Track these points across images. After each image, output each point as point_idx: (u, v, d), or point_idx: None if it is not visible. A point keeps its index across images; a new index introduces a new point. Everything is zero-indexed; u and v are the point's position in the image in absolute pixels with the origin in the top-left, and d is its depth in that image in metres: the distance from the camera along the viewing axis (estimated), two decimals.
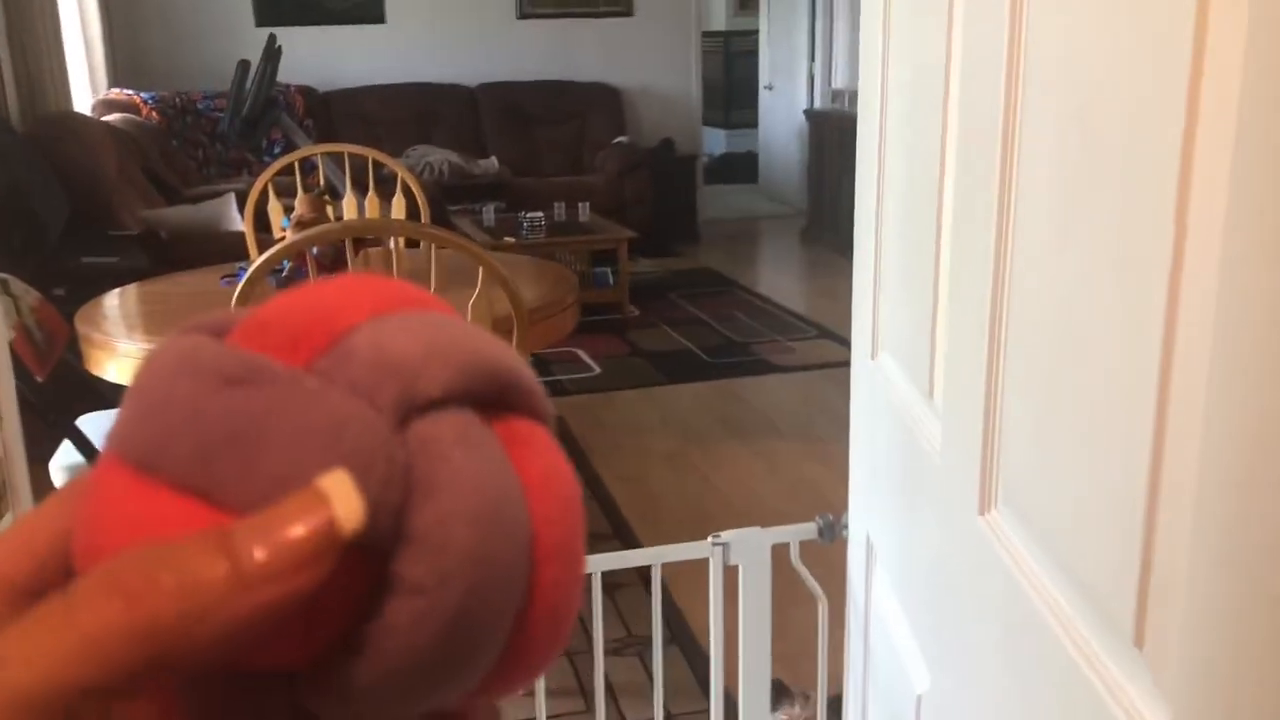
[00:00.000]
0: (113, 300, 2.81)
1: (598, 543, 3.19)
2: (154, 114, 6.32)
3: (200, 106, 6.56)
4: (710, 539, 1.39)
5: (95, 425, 2.81)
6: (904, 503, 1.02)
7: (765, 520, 3.53)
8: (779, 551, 1.46)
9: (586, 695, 2.44)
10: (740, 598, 1.45)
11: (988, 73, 0.70)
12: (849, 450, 1.38)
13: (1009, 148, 0.68)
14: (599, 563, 1.38)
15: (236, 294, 2.11)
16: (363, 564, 0.24)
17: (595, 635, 1.39)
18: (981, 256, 0.73)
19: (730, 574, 1.42)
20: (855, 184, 1.18)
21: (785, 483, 3.63)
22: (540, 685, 1.37)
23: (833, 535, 1.39)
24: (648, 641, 2.66)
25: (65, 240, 4.02)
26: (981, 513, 0.75)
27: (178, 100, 6.50)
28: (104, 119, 5.60)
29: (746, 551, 1.40)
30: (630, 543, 3.20)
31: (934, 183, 0.86)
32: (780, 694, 1.94)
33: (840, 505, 3.71)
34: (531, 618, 0.26)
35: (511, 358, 0.27)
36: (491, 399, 0.26)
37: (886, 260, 1.08)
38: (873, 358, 1.14)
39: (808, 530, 1.42)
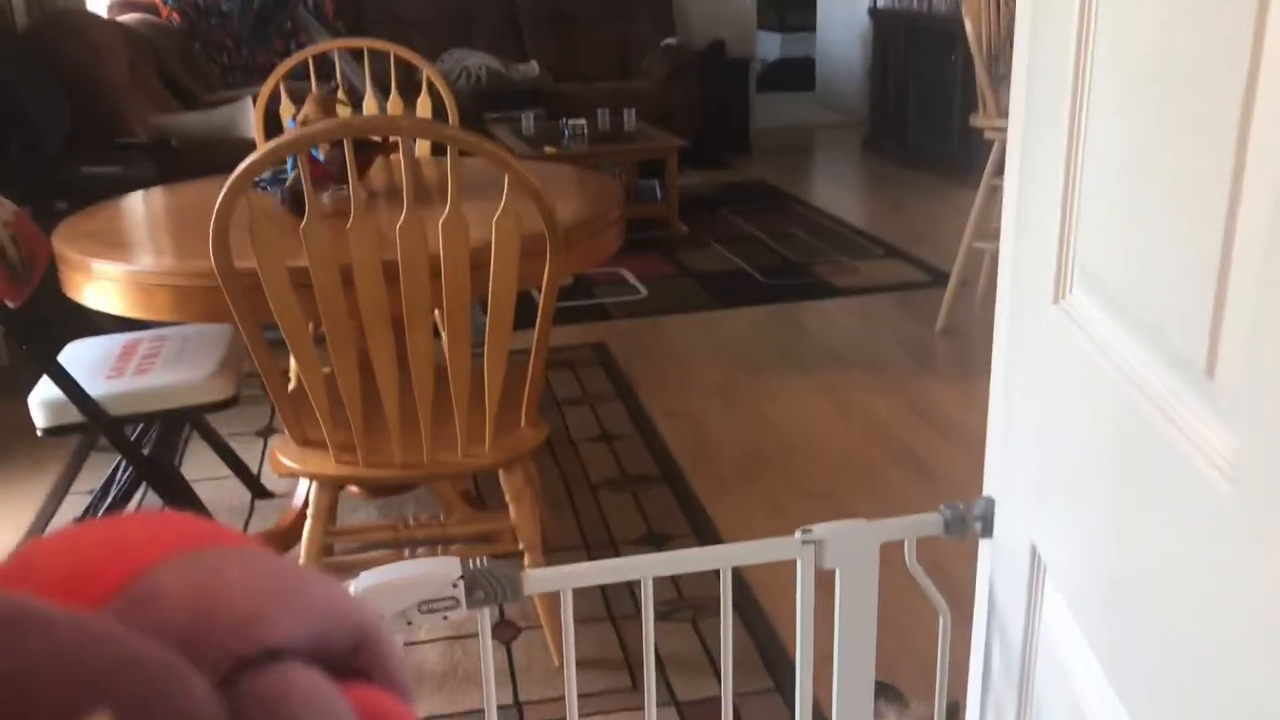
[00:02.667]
0: (98, 214, 2.48)
1: (645, 487, 2.86)
2: (174, 15, 5.95)
3: (224, 8, 6.17)
4: (799, 534, 1.04)
5: (80, 354, 2.51)
6: (1116, 517, 0.67)
7: (828, 464, 3.22)
8: (886, 550, 1.11)
9: (632, 668, 2.14)
10: (837, 609, 1.11)
11: None
12: (987, 423, 1.02)
13: None
14: (652, 566, 1.04)
15: (219, 203, 1.77)
16: None
17: (647, 640, 1.05)
18: None
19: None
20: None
21: (852, 421, 3.27)
22: (571, 655, 1.06)
23: (964, 531, 1.04)
24: (701, 605, 2.35)
25: (67, 149, 3.70)
26: None
27: (200, 1, 6.12)
28: (118, 19, 5.24)
29: (847, 551, 1.06)
30: (678, 485, 2.88)
31: (1233, 66, 0.49)
32: (880, 694, 1.62)
33: (923, 449, 3.28)
34: None
35: (366, 612, 0.25)
36: (341, 657, 0.24)
37: (1095, 174, 0.71)
38: (1057, 300, 0.77)
39: (929, 524, 1.07)
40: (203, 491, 2.89)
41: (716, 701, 2.04)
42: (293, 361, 2.59)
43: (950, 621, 1.15)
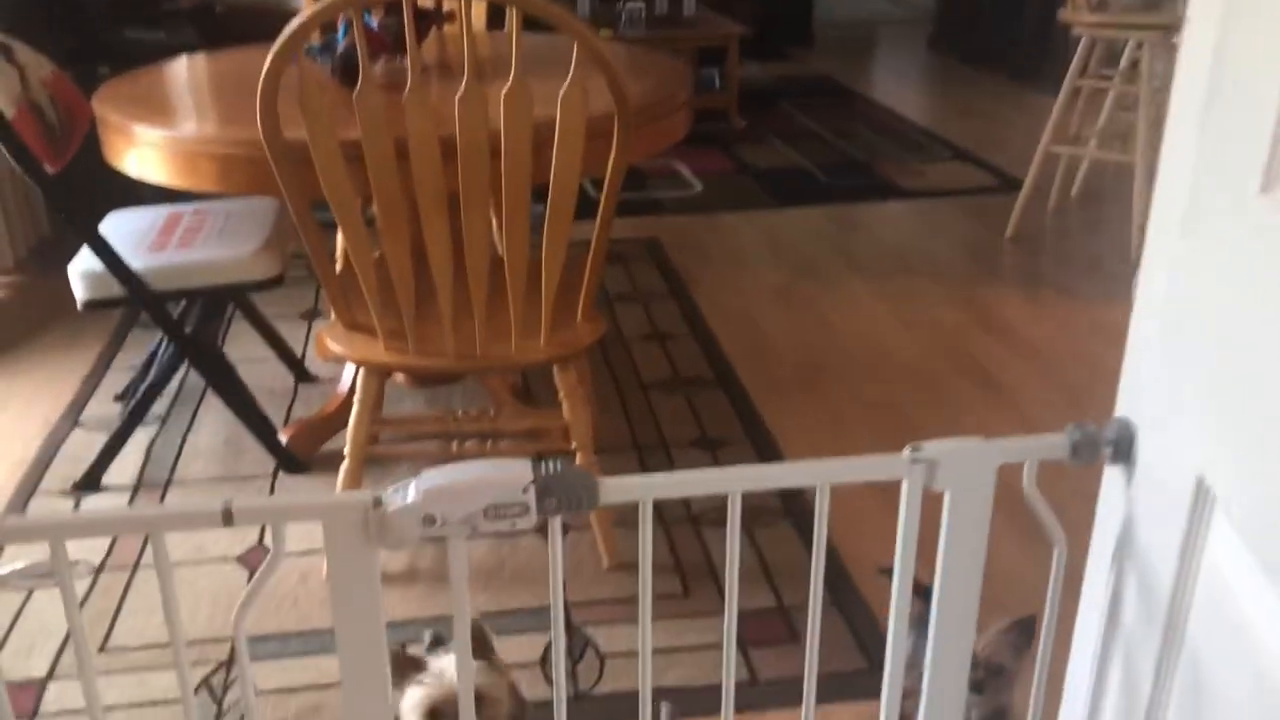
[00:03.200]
0: (141, 78, 2.36)
1: (699, 390, 2.76)
2: None
3: None
4: (908, 451, 0.93)
5: (122, 225, 2.42)
6: None
7: (890, 375, 3.08)
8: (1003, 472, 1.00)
9: (685, 575, 2.06)
10: (943, 538, 1.00)
11: None
12: (1129, 327, 0.90)
13: None
14: (737, 480, 0.94)
15: (267, 67, 1.64)
16: None
17: (731, 563, 0.95)
18: None
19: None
20: None
21: (916, 330, 3.13)
22: (647, 572, 0.97)
23: (1093, 455, 0.93)
24: (755, 512, 2.26)
25: (110, 12, 3.56)
26: None
27: None
28: None
29: (961, 472, 0.95)
30: (733, 389, 2.77)
31: None
32: None
33: (990, 363, 3.11)
34: None
35: None
36: None
37: None
38: (1267, 190, 0.64)
39: (1053, 446, 0.95)
40: (245, 373, 2.81)
41: (772, 613, 1.96)
42: (340, 241, 2.49)
43: (1066, 555, 1.04)
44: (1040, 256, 3.68)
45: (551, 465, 0.88)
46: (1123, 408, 0.93)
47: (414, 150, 1.69)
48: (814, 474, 0.94)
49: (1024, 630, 1.48)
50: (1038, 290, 3.39)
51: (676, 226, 3.98)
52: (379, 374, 2.00)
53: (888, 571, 1.88)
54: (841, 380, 2.83)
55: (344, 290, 1.99)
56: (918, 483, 0.93)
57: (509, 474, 0.87)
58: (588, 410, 2.11)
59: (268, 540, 2.16)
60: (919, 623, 1.13)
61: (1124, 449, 0.90)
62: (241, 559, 2.11)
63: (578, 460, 2.04)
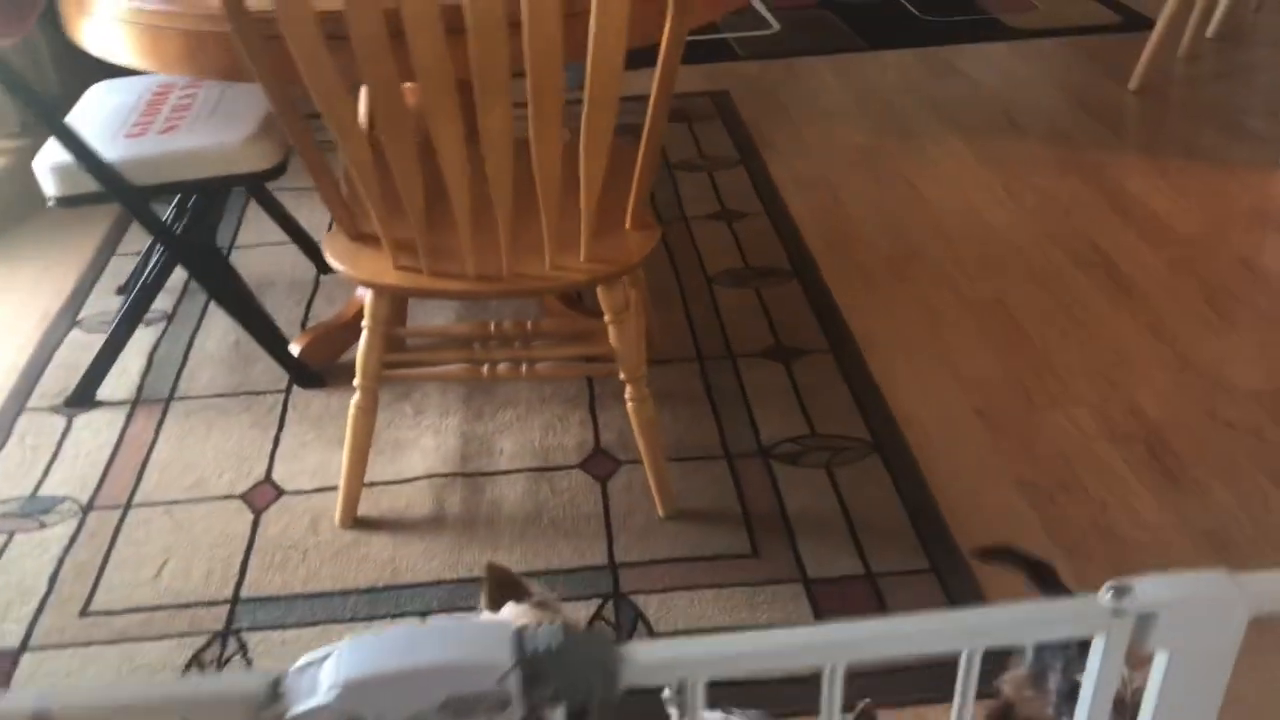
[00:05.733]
0: None
1: (772, 283, 2.39)
2: None
3: None
4: (1107, 594, 0.59)
5: (104, 100, 2.08)
6: None
7: (996, 262, 2.67)
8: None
9: (753, 529, 1.76)
10: (1152, 709, 0.66)
11: None
12: None
13: None
14: (845, 645, 0.60)
15: None
16: None
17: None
18: None
19: None
20: None
21: (1025, 204, 2.71)
22: None
23: None
24: (839, 448, 1.93)
25: None
26: None
27: None
28: None
29: (1188, 628, 0.61)
30: (810, 282, 2.40)
31: None
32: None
33: (1116, 250, 2.72)
34: None
35: None
36: None
37: None
38: None
39: None
40: (261, 262, 2.53)
41: (854, 581, 1.66)
42: None
43: None
44: (1171, 113, 3.18)
45: (544, 637, 0.56)
46: None
47: (410, 24, 1.32)
48: (952, 633, 0.60)
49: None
50: (1169, 156, 2.91)
51: (749, 75, 3.52)
52: (390, 295, 1.68)
53: (988, 555, 1.56)
54: (938, 270, 2.44)
55: (344, 195, 1.65)
56: (1120, 642, 0.59)
57: (476, 653, 0.55)
58: (640, 333, 1.77)
59: (276, 474, 1.90)
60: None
61: None
62: (246, 497, 1.85)
63: (628, 394, 1.72)
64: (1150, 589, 0.59)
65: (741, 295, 2.36)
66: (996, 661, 1.33)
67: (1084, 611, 0.59)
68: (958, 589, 1.62)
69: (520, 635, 0.56)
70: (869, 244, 2.55)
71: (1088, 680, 0.62)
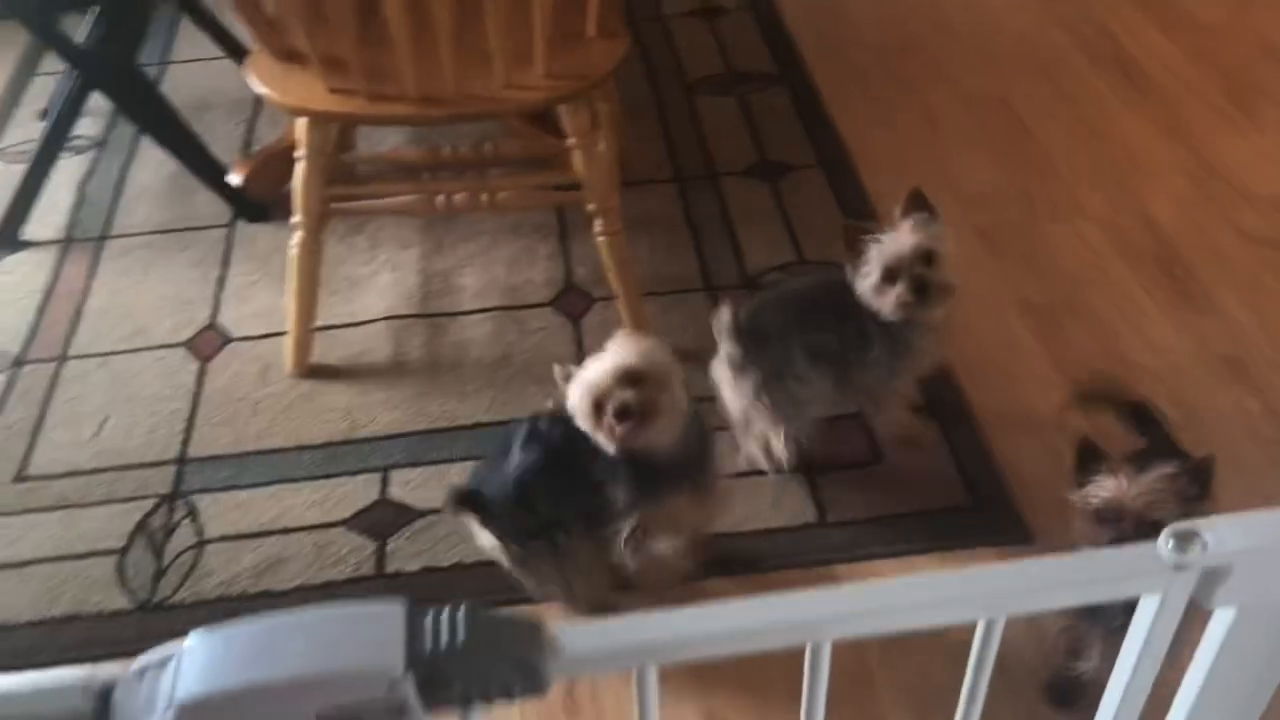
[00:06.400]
0: None
1: (757, 89, 2.17)
2: None
3: None
4: (1168, 546, 0.46)
5: None
6: None
7: (999, 54, 2.43)
8: None
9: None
10: (1204, 670, 0.54)
11: None
12: None
13: None
14: (819, 623, 0.47)
15: None
16: None
17: None
18: None
19: None
20: None
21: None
22: None
23: None
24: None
25: None
26: None
27: None
28: None
29: (1261, 583, 0.48)
30: (799, 86, 2.19)
31: None
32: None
33: (1129, 38, 2.62)
34: None
35: None
36: None
37: None
38: None
39: None
40: (198, 78, 2.30)
41: (846, 420, 1.54)
42: None
43: None
44: None
45: (445, 631, 0.43)
46: None
47: None
48: (976, 598, 0.47)
49: (1197, 477, 1.06)
50: None
51: None
52: (326, 122, 1.50)
53: (1085, 398, 1.39)
54: (937, 64, 2.23)
55: (261, 4, 1.44)
56: (1180, 598, 0.47)
57: (358, 657, 0.43)
58: (612, 158, 1.60)
59: (221, 319, 1.76)
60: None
61: None
62: (190, 345, 1.71)
63: (598, 227, 1.56)
64: (1223, 536, 0.46)
65: (724, 104, 2.16)
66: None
67: (1138, 566, 0.46)
68: (969, 459, 1.50)
69: (414, 629, 0.43)
70: (862, 38, 2.33)
71: (1131, 646, 0.50)
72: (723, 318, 1.30)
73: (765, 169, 1.98)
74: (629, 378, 1.11)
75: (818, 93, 2.16)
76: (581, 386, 1.14)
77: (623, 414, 1.10)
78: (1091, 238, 1.83)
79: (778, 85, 2.19)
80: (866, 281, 1.28)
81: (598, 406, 1.12)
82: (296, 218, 1.55)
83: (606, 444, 1.13)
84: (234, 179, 1.94)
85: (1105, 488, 1.05)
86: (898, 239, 1.26)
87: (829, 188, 1.93)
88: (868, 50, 2.30)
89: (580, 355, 1.65)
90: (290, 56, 1.47)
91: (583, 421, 1.14)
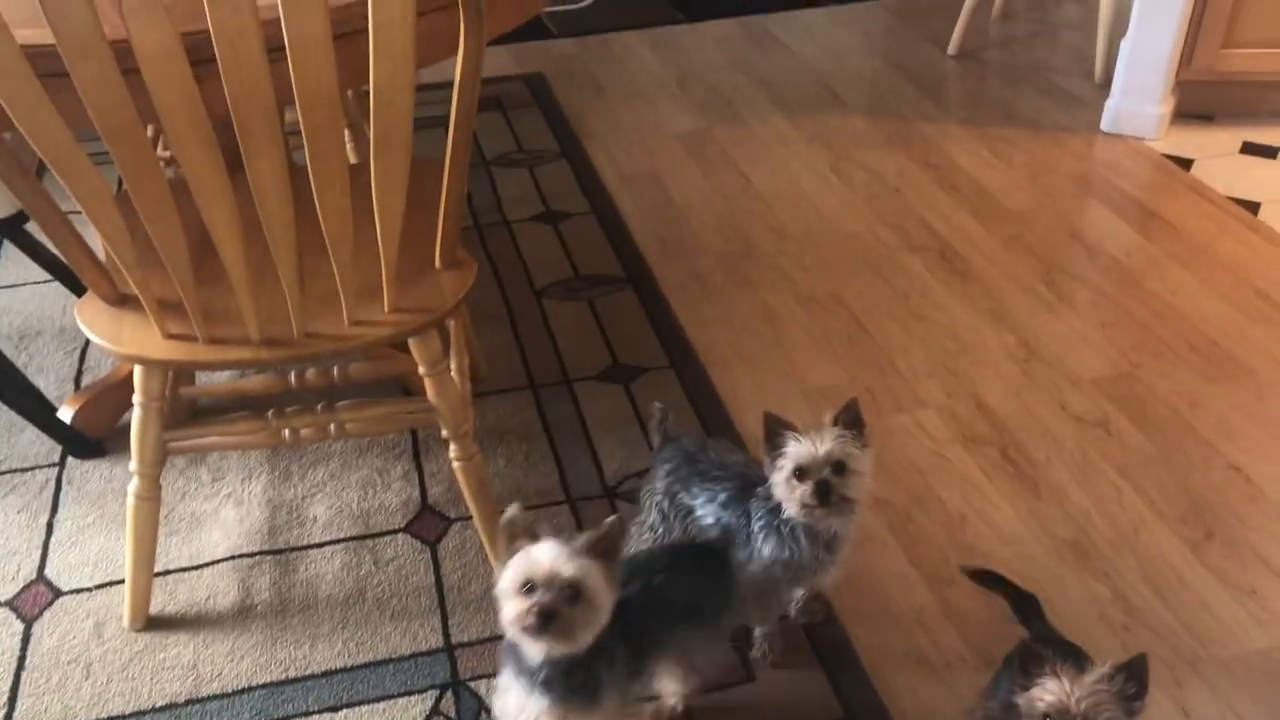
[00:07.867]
0: None
1: (605, 292, 2.23)
2: None
3: None
4: None
5: None
6: None
7: (831, 254, 2.54)
8: None
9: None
10: None
11: None
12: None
13: None
14: None
15: None
16: None
17: None
18: None
19: None
20: None
21: (855, 186, 2.62)
22: None
23: None
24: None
25: None
26: None
27: None
28: None
29: None
30: (645, 290, 2.27)
31: None
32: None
33: (945, 228, 2.75)
34: None
35: None
36: None
37: None
38: None
39: None
40: (27, 302, 2.22)
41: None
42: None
43: None
44: (990, 78, 3.15)
45: None
46: None
47: (147, 67, 1.09)
48: None
49: (1132, 676, 1.09)
50: (992, 124, 2.88)
51: (564, 54, 3.33)
52: (162, 369, 1.45)
53: (976, 577, 1.47)
54: (775, 268, 2.33)
55: (90, 248, 1.41)
56: None
57: None
58: (464, 384, 1.59)
59: (49, 570, 1.64)
60: None
61: None
62: (14, 605, 1.59)
63: (453, 452, 1.54)
64: None
65: (574, 309, 2.19)
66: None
67: None
68: (833, 663, 1.51)
69: None
70: (702, 243, 2.42)
71: None
72: None
73: (618, 372, 2.01)
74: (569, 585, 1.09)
75: (663, 296, 2.22)
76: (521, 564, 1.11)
77: (544, 616, 1.08)
78: (931, 426, 1.90)
79: (625, 288, 2.25)
80: (780, 475, 1.30)
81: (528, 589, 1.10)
82: (133, 465, 1.47)
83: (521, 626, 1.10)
84: (65, 413, 1.85)
85: (1050, 690, 1.07)
86: (817, 441, 1.28)
87: (681, 388, 1.96)
88: (707, 253, 2.38)
89: (439, 583, 1.61)
90: (123, 301, 1.42)
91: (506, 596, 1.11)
